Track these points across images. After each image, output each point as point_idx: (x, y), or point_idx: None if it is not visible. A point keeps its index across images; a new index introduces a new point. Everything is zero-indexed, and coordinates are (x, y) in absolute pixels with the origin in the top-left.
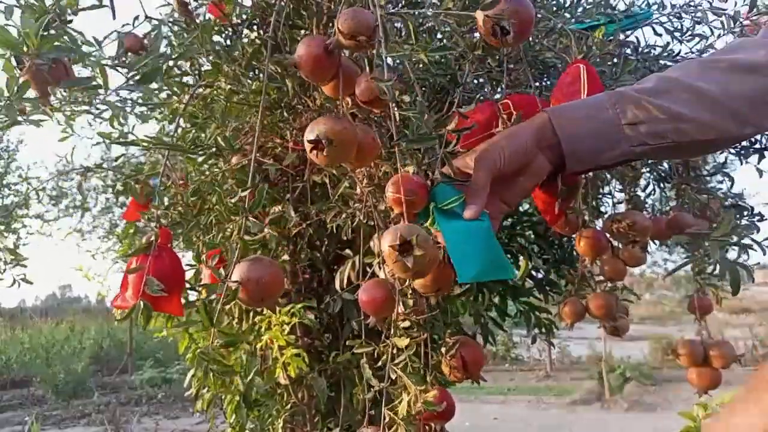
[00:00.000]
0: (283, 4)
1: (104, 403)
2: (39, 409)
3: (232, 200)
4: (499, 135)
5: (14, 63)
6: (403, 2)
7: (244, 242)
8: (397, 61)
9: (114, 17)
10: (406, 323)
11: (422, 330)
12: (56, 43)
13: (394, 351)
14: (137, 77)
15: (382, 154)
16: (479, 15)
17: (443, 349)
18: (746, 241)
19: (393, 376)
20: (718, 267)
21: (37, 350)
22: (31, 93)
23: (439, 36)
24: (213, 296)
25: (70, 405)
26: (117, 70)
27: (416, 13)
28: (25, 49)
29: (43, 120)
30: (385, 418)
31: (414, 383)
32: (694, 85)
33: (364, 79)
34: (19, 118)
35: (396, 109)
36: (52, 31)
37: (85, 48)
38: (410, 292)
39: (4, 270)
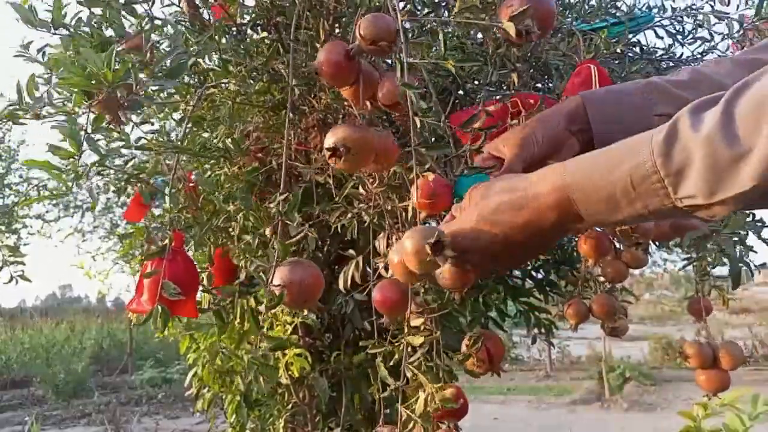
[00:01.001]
0: (302, 6)
1: (104, 403)
2: (39, 409)
3: (270, 204)
4: (532, 120)
5: (85, 97)
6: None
7: (283, 246)
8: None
9: (152, 27)
10: (419, 321)
11: (436, 327)
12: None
13: (409, 350)
14: (164, 72)
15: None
16: (502, 16)
17: (467, 342)
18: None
19: (408, 375)
20: (727, 264)
21: (37, 350)
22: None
23: (449, 37)
24: (223, 295)
25: (70, 405)
26: (141, 69)
27: (440, 19)
28: (97, 85)
29: (119, 147)
30: (402, 416)
31: (430, 381)
32: (722, 82)
33: (387, 82)
34: (101, 150)
35: (415, 114)
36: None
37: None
38: (422, 290)
39: (1, 267)
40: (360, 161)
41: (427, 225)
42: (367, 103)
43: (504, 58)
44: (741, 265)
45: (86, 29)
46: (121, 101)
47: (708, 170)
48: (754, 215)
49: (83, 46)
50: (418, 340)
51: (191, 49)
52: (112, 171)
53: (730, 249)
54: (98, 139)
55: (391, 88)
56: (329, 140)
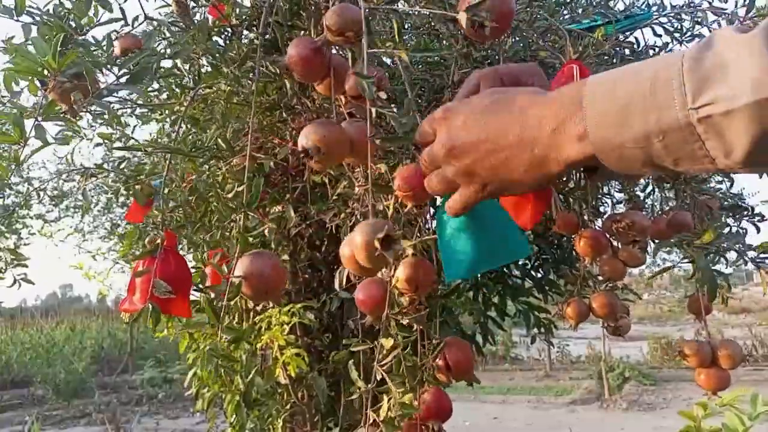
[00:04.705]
0: (280, 3)
1: (105, 403)
2: (39, 409)
3: (229, 196)
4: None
5: (38, 84)
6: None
7: (244, 238)
8: (388, 60)
9: (127, 24)
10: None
11: (415, 329)
12: (76, 59)
13: (383, 352)
14: (127, 76)
15: (377, 151)
16: (461, 8)
17: (429, 350)
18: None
19: (379, 377)
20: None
21: (37, 350)
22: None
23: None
24: (216, 294)
25: (71, 405)
26: (109, 69)
27: (401, 9)
28: (45, 72)
29: (70, 137)
30: (369, 420)
31: (401, 384)
32: None
33: (353, 74)
34: (49, 138)
35: (373, 106)
36: (70, 47)
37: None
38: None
39: (5, 270)
40: (334, 157)
41: (379, 219)
42: (341, 97)
43: (466, 55)
44: (717, 277)
45: (48, 18)
46: (74, 91)
47: (746, 70)
48: (752, 209)
49: (46, 35)
50: (389, 342)
51: (167, 50)
52: (112, 173)
53: (700, 261)
54: (63, 131)
55: (357, 80)
56: (300, 141)
